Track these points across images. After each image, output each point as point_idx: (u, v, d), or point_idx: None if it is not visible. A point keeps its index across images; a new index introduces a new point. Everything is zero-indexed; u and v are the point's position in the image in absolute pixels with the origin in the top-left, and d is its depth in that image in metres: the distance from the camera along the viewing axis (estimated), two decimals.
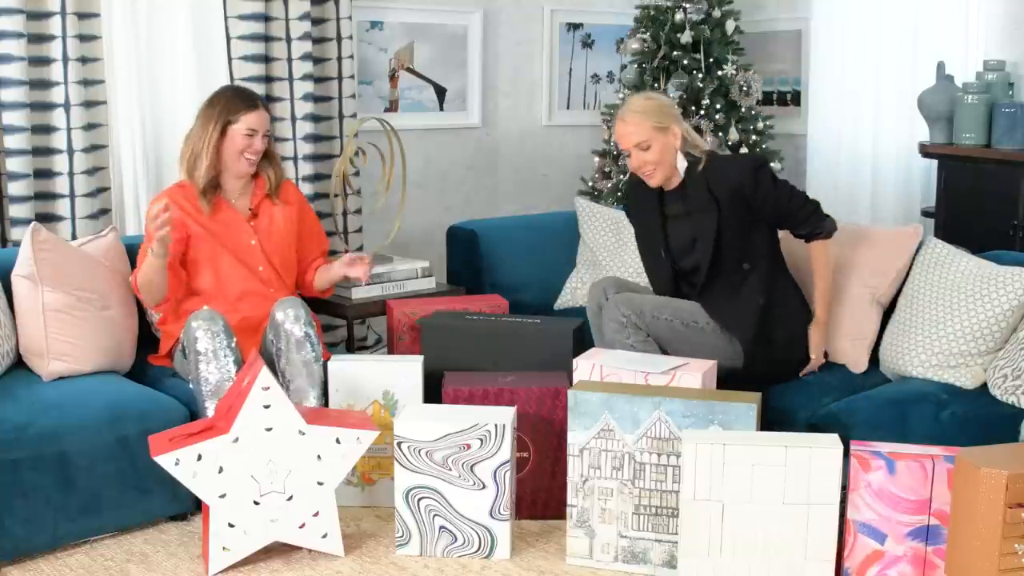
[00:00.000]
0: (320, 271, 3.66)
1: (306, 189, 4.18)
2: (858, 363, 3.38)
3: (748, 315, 3.26)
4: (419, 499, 2.90)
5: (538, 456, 3.11)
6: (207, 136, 3.37)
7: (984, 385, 3.09)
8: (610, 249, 4.06)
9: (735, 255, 3.28)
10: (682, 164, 3.31)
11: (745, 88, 4.59)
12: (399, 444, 2.89)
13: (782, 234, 3.41)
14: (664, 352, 3.24)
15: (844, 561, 2.66)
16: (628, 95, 3.40)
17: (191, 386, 3.12)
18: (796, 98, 5.09)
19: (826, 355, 3.40)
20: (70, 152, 3.70)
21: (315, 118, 4.25)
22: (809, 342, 3.35)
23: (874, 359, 3.39)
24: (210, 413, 3.02)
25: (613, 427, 2.80)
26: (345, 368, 3.21)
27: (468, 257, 4.16)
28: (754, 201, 3.26)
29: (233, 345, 3.12)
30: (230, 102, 3.40)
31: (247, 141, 3.38)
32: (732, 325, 3.25)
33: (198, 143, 3.38)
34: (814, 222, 3.34)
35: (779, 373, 3.29)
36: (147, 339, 3.48)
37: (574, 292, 4.11)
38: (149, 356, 3.44)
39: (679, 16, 4.61)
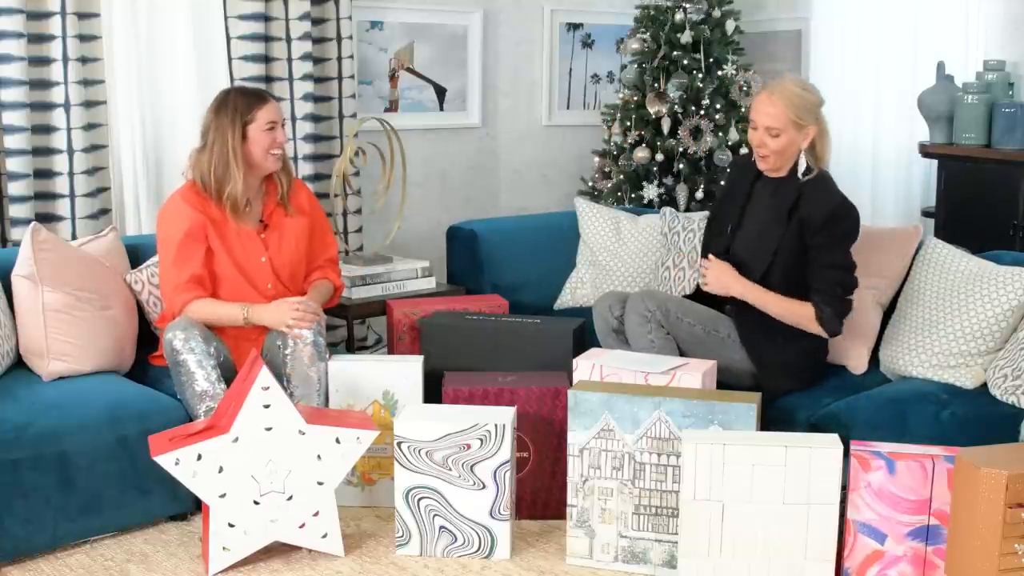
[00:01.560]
0: (313, 289, 3.42)
1: None
2: (858, 363, 3.38)
3: (772, 348, 3.21)
4: (419, 499, 2.90)
5: (538, 456, 3.11)
6: (230, 145, 3.19)
7: (984, 385, 3.09)
8: (610, 249, 4.06)
9: (779, 278, 3.20)
10: (802, 164, 3.20)
11: (745, 88, 4.60)
12: (399, 444, 2.89)
13: None
14: (681, 353, 3.23)
15: (844, 561, 2.66)
16: (780, 78, 3.14)
17: (178, 396, 3.11)
18: None
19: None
20: (70, 152, 3.70)
21: (315, 118, 4.26)
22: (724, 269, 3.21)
23: (874, 359, 3.39)
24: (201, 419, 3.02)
25: (613, 427, 2.80)
26: (345, 368, 3.21)
27: (468, 257, 4.16)
28: (812, 236, 3.14)
29: (212, 351, 3.10)
30: (239, 102, 3.24)
31: (270, 136, 3.25)
32: (757, 354, 3.21)
33: (222, 155, 3.20)
34: (826, 301, 3.14)
35: (786, 389, 3.27)
36: (147, 339, 3.47)
37: (574, 292, 4.11)
38: (149, 356, 3.44)
39: (679, 16, 4.61)
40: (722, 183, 3.66)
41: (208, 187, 3.23)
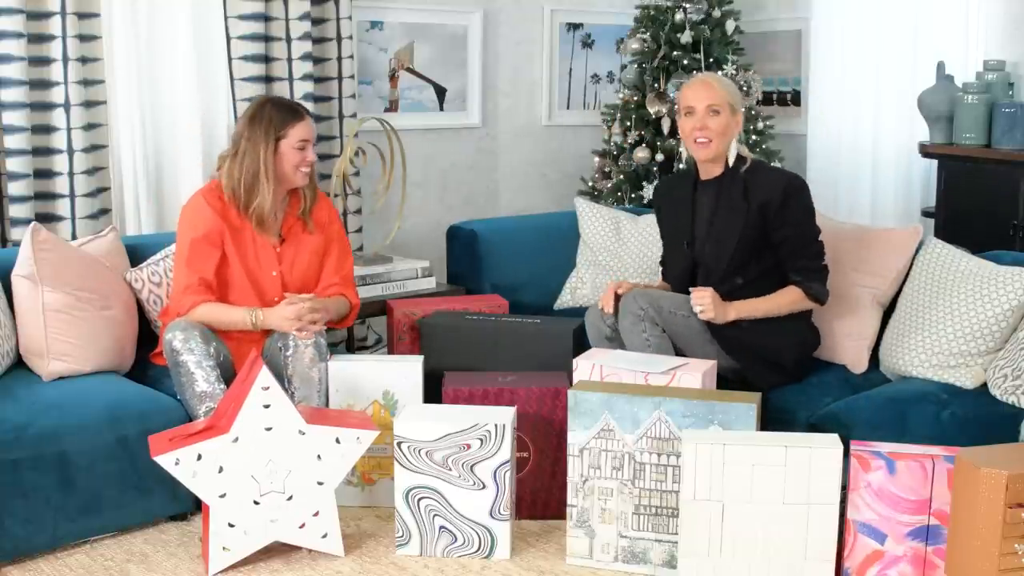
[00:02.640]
0: (329, 301, 3.34)
1: None
2: (858, 363, 3.38)
3: (731, 334, 3.20)
4: (419, 499, 2.90)
5: (538, 456, 3.11)
6: (261, 158, 3.18)
7: (984, 385, 3.08)
8: (610, 249, 4.06)
9: (738, 264, 3.23)
10: (734, 152, 3.26)
11: (745, 88, 4.59)
12: (399, 444, 2.89)
13: None
14: (677, 350, 3.23)
15: (844, 561, 2.66)
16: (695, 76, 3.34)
17: (178, 396, 3.11)
18: (796, 98, 5.09)
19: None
20: (70, 152, 3.70)
21: (315, 118, 4.24)
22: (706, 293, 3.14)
23: (874, 359, 3.39)
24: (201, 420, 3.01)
25: (613, 427, 2.80)
26: (345, 368, 3.21)
27: (468, 257, 4.16)
28: (774, 219, 3.18)
29: (211, 351, 3.10)
30: (274, 116, 3.22)
31: (301, 155, 3.23)
32: (730, 346, 3.22)
33: (253, 167, 3.18)
34: (810, 277, 3.23)
35: (772, 382, 3.26)
36: (147, 339, 3.47)
37: (574, 292, 4.11)
38: (150, 355, 3.43)
39: (679, 16, 4.61)
40: (654, 212, 3.64)
41: (236, 197, 3.22)
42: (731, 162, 3.27)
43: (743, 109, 3.31)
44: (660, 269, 3.61)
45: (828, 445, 2.60)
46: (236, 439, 2.79)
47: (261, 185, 3.20)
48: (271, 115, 3.22)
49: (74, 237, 3.68)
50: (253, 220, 3.24)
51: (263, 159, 3.19)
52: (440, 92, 4.87)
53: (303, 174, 3.27)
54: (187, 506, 3.11)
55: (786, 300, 3.24)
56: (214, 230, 3.21)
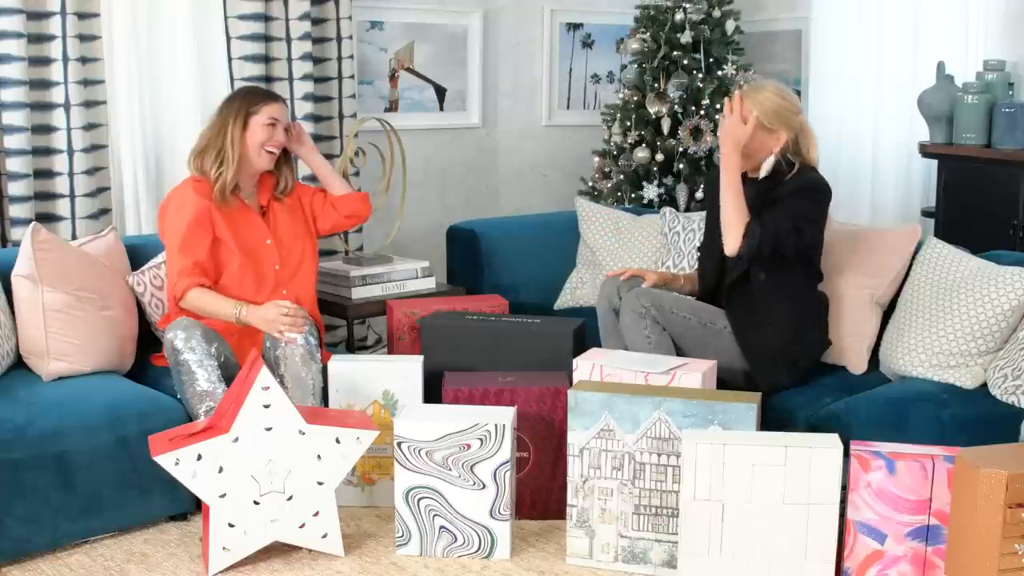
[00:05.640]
0: (330, 194, 3.59)
1: None
2: (858, 363, 3.38)
3: (760, 335, 3.21)
4: (419, 499, 2.90)
5: (538, 456, 3.11)
6: (230, 131, 3.28)
7: (984, 385, 3.08)
8: (610, 249, 4.06)
9: (764, 271, 3.20)
10: (768, 165, 3.22)
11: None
12: (399, 444, 2.89)
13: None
14: (677, 349, 3.23)
15: (844, 561, 2.66)
16: (752, 79, 3.34)
17: (178, 396, 3.11)
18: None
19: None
20: (70, 152, 3.70)
21: (315, 118, 4.26)
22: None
23: (874, 359, 3.39)
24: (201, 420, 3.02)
25: (613, 427, 2.80)
26: (345, 368, 3.21)
27: (468, 257, 4.16)
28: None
29: (213, 351, 3.11)
30: (249, 95, 3.37)
31: (269, 132, 3.32)
32: (745, 340, 3.22)
33: (221, 140, 3.28)
34: (760, 235, 3.14)
35: (783, 382, 3.27)
36: (147, 339, 3.47)
37: (574, 292, 4.11)
38: (152, 356, 3.44)
39: (679, 16, 4.61)
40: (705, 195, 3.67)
41: (202, 166, 3.30)
42: (766, 171, 3.23)
43: (786, 125, 3.21)
44: (696, 256, 3.62)
45: (828, 445, 2.60)
46: (236, 439, 2.79)
47: (228, 157, 3.27)
48: (245, 94, 3.39)
49: (74, 237, 3.68)
50: (216, 191, 3.27)
51: (230, 132, 3.29)
52: (440, 92, 4.87)
53: (267, 156, 3.34)
54: (187, 506, 3.11)
55: (741, 210, 3.13)
56: (202, 212, 3.26)
